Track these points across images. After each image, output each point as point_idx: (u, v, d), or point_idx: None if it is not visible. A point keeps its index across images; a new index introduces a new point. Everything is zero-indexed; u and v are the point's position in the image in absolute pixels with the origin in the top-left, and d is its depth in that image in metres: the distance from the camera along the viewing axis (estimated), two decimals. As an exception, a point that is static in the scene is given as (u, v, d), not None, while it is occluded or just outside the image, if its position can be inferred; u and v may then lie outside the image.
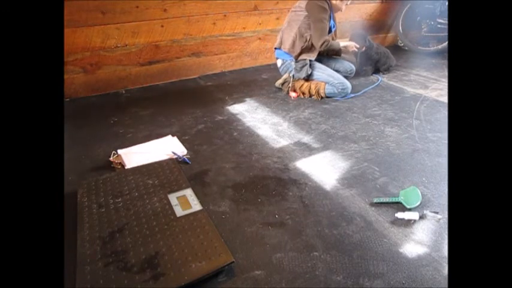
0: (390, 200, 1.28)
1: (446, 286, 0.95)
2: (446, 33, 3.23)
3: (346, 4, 2.31)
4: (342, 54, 2.60)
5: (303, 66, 2.27)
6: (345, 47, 2.41)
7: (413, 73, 2.88)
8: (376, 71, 2.83)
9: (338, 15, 2.54)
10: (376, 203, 1.28)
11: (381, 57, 2.76)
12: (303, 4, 2.22)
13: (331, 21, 2.33)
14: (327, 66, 2.38)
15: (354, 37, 2.67)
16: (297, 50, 2.28)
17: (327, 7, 2.19)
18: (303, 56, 2.29)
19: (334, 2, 2.25)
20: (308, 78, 2.32)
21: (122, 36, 2.34)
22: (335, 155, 1.63)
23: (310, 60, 2.28)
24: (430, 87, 2.53)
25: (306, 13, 2.21)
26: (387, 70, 2.86)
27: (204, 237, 1.06)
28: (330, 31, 2.35)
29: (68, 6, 2.07)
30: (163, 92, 2.49)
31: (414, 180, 1.42)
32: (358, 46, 2.45)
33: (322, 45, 2.21)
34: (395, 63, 2.91)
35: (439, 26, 3.32)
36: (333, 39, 2.48)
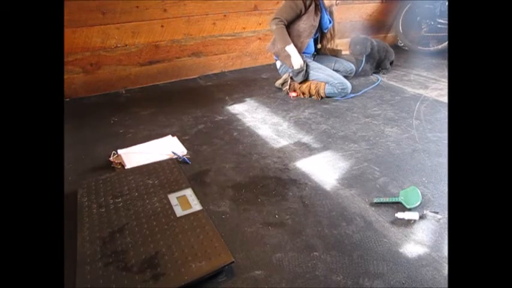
0: (390, 200, 1.28)
1: (446, 286, 0.95)
2: (446, 33, 3.23)
3: None
4: (343, 52, 2.61)
5: (299, 72, 2.27)
6: (289, 55, 2.24)
7: (413, 73, 2.88)
8: (378, 66, 2.82)
9: (338, 15, 2.54)
10: (376, 203, 1.28)
11: (381, 54, 2.75)
12: None
13: (326, 16, 2.32)
14: (327, 66, 2.38)
15: (354, 42, 2.66)
16: (276, 48, 2.31)
17: (302, 1, 2.18)
18: (285, 57, 2.29)
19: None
20: (307, 79, 2.32)
21: (122, 36, 2.34)
22: (335, 155, 1.63)
23: (307, 64, 2.27)
24: (430, 87, 2.53)
25: None
26: (386, 68, 2.84)
27: (204, 237, 1.06)
28: (322, 27, 2.37)
29: (68, 6, 2.07)
30: (163, 92, 2.49)
31: (414, 180, 1.42)
32: (297, 66, 2.25)
33: (272, 22, 2.20)
34: (394, 57, 2.89)
35: (439, 26, 3.32)
36: (331, 35, 2.47)
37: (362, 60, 2.65)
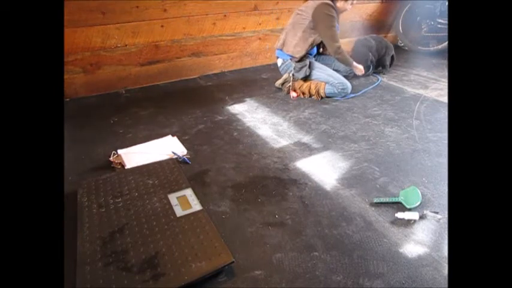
0: (390, 200, 1.28)
1: (446, 286, 0.95)
2: (446, 33, 3.22)
3: (352, 3, 2.29)
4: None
5: (302, 67, 2.27)
6: (355, 67, 2.37)
7: (413, 73, 2.88)
8: (378, 65, 2.81)
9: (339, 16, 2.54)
10: (376, 203, 1.28)
11: (380, 52, 2.74)
12: (310, 10, 2.20)
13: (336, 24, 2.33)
14: (327, 66, 2.38)
15: (357, 50, 2.66)
16: (301, 53, 2.27)
17: (335, 14, 2.19)
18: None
19: (338, 4, 2.25)
20: (307, 78, 2.32)
21: (122, 36, 2.34)
22: (335, 155, 1.63)
23: (309, 62, 2.28)
24: (430, 87, 2.53)
25: (311, 18, 2.20)
26: (386, 64, 2.81)
27: (204, 237, 1.06)
28: None
29: (68, 6, 2.07)
30: (163, 92, 2.49)
31: (414, 180, 1.42)
32: (363, 72, 2.41)
33: (337, 51, 2.22)
34: (393, 51, 2.86)
35: (439, 26, 3.32)
36: None
37: (370, 66, 2.66)
